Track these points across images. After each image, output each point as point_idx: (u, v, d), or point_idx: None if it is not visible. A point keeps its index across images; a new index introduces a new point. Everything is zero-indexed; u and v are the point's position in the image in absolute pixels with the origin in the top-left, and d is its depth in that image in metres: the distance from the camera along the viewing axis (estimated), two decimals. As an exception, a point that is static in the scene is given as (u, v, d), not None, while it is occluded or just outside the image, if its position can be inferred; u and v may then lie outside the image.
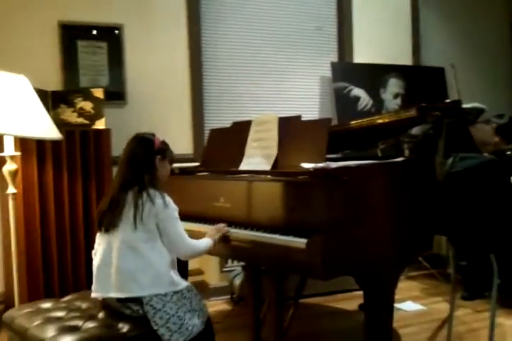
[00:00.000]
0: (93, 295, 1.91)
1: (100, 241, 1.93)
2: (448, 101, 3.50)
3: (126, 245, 1.83)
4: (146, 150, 1.91)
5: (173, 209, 1.89)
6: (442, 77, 4.42)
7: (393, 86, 4.23)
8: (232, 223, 2.13)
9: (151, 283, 1.81)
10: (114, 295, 1.85)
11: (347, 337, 2.86)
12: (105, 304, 1.92)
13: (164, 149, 1.98)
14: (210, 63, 3.80)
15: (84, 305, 2.03)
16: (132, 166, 1.89)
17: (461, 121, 2.62)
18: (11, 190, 2.44)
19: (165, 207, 1.84)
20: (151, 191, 1.85)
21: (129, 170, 1.89)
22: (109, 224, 1.86)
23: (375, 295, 1.89)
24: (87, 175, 3.00)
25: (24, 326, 1.84)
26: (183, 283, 1.91)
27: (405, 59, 4.44)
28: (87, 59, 3.39)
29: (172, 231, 1.87)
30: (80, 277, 2.97)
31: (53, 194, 2.90)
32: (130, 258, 1.82)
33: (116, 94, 3.46)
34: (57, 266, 2.92)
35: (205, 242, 2.00)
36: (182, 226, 1.91)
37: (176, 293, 1.85)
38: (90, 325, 1.81)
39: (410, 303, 3.40)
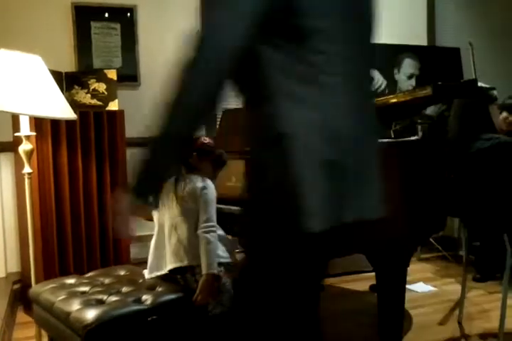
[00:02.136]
0: (147, 276, 2.04)
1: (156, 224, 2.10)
2: (464, 80, 3.45)
3: (172, 222, 2.00)
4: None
5: (211, 192, 2.01)
6: (458, 57, 4.33)
7: (407, 67, 4.16)
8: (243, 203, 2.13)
9: (195, 255, 1.94)
10: (169, 267, 1.98)
11: (357, 318, 2.88)
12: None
13: (205, 150, 2.06)
14: (223, 44, 3.77)
15: (107, 281, 2.10)
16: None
17: (478, 101, 2.58)
18: (27, 169, 2.46)
19: (204, 188, 1.98)
20: (192, 177, 2.02)
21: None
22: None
23: (387, 274, 1.90)
24: (101, 156, 3.03)
25: (50, 300, 1.91)
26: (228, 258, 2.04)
27: (420, 39, 4.38)
28: (100, 40, 3.39)
29: (203, 209, 1.98)
30: (94, 256, 3.02)
31: (68, 174, 2.94)
32: (176, 232, 1.98)
33: (129, 76, 3.46)
34: (72, 246, 2.97)
35: (214, 251, 1.97)
36: (214, 211, 2.00)
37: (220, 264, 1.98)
38: (114, 298, 1.86)
39: (421, 284, 3.40)
